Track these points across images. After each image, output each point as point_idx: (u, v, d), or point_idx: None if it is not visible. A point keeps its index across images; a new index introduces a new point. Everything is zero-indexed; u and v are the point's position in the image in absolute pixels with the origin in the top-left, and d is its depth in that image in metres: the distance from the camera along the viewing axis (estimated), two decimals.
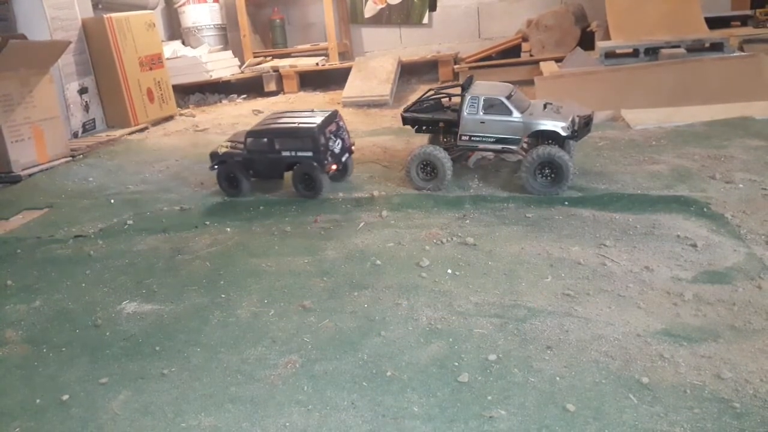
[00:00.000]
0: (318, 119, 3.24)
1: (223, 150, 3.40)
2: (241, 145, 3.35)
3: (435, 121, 3.32)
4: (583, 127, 3.09)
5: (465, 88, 3.18)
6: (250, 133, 3.33)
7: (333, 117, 3.34)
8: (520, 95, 3.21)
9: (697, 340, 1.81)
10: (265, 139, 3.28)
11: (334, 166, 3.23)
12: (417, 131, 3.46)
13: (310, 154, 3.19)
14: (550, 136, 3.09)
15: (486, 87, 3.24)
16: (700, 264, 2.25)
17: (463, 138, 3.13)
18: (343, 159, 3.35)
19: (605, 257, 2.35)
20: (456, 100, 3.32)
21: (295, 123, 3.29)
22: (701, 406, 1.55)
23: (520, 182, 3.06)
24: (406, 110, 3.42)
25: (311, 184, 3.23)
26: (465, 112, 3.09)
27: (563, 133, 3.00)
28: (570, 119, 3.02)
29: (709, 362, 1.71)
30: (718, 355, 1.74)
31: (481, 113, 3.07)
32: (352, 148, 3.47)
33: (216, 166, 3.40)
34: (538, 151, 2.97)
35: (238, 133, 3.60)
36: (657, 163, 3.29)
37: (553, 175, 2.98)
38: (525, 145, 3.18)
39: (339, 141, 3.32)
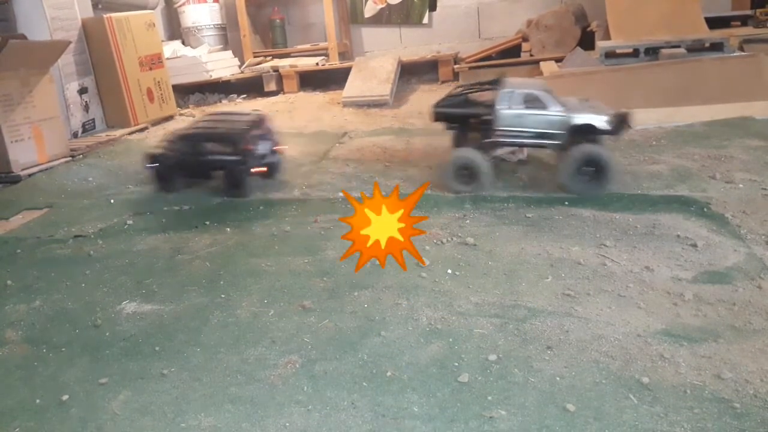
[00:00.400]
0: (244, 125, 3.44)
1: (158, 152, 3.59)
2: (174, 147, 3.52)
3: (471, 115, 3.21)
4: (619, 123, 3.00)
5: (496, 84, 3.10)
6: (181, 137, 3.51)
7: (260, 121, 3.53)
8: (553, 91, 3.13)
9: (698, 340, 1.81)
10: (195, 143, 3.44)
11: (259, 169, 3.38)
12: (448, 128, 3.38)
13: (236, 158, 3.33)
14: (587, 132, 2.98)
15: (521, 82, 3.17)
16: (700, 264, 2.25)
17: (499, 133, 3.02)
18: (271, 161, 3.51)
19: (605, 257, 2.35)
20: (485, 96, 3.24)
21: (223, 128, 3.48)
22: (701, 406, 1.55)
23: (560, 183, 2.97)
24: (437, 105, 3.33)
25: (238, 185, 3.39)
26: (500, 106, 2.99)
27: (606, 127, 2.90)
28: (610, 114, 2.92)
29: (709, 362, 1.71)
30: (719, 355, 1.74)
31: (519, 107, 2.97)
32: (280, 149, 3.63)
33: (151, 167, 3.58)
34: (581, 148, 2.87)
35: (173, 133, 3.77)
36: (657, 163, 3.29)
37: (595, 174, 2.87)
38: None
39: (265, 144, 3.47)
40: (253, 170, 3.36)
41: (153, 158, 3.61)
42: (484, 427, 1.55)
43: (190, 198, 3.46)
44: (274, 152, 3.57)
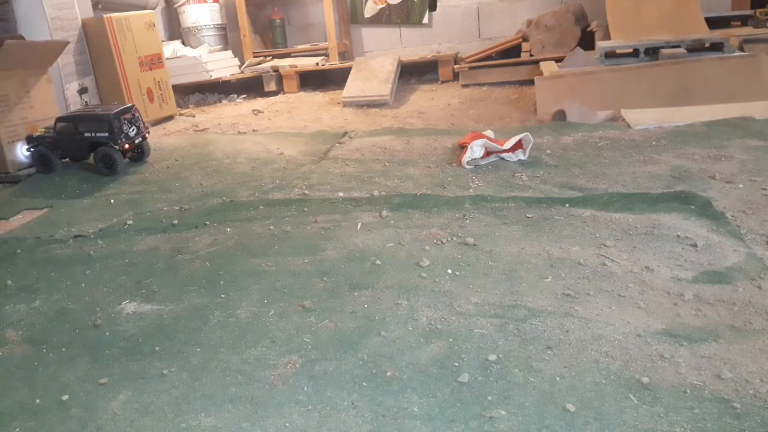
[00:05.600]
0: (115, 109, 4.10)
1: (37, 134, 4.22)
2: (51, 130, 4.17)
3: None
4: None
5: None
6: (59, 119, 4.17)
7: (129, 108, 4.20)
8: None
9: (698, 340, 1.81)
10: (71, 123, 4.11)
11: (126, 146, 4.09)
12: None
13: (106, 134, 4.02)
14: None
15: None
16: (700, 264, 2.25)
17: None
18: (137, 141, 4.19)
19: (605, 257, 2.35)
20: None
21: (95, 111, 4.20)
22: (701, 406, 1.55)
23: None
24: None
25: (109, 162, 4.03)
26: None
27: None
28: None
29: (709, 362, 1.71)
30: (719, 355, 1.74)
31: None
32: (146, 134, 4.32)
33: (31, 148, 4.19)
34: None
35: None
36: (657, 163, 3.29)
37: None
38: None
39: (134, 128, 4.15)
40: (122, 147, 4.04)
41: (32, 140, 4.18)
42: (484, 427, 1.55)
43: (191, 198, 3.46)
44: (142, 136, 4.24)
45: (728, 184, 2.92)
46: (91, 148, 4.10)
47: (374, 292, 2.23)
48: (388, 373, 1.78)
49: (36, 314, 2.34)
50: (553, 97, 4.52)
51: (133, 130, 4.13)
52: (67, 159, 4.25)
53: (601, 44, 5.12)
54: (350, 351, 1.90)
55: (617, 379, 1.67)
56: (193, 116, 5.95)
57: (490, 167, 3.50)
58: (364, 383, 1.75)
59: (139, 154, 4.28)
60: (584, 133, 3.93)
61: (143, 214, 3.28)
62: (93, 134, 4.05)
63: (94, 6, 5.60)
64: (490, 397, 1.64)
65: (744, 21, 5.71)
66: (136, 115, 4.22)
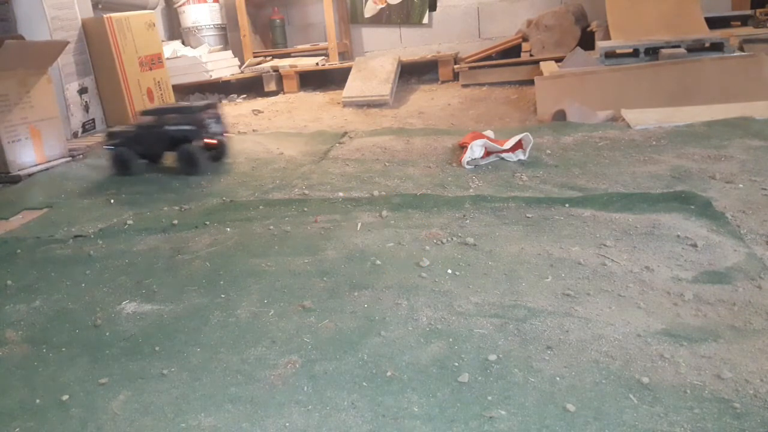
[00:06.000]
0: (199, 108, 3.97)
1: (119, 129, 4.13)
2: (131, 127, 4.08)
3: None
4: None
5: None
6: (144, 112, 4.09)
7: (213, 104, 4.10)
8: None
9: (698, 340, 1.81)
10: (154, 116, 3.97)
11: (212, 141, 3.92)
12: None
13: (192, 128, 3.83)
14: None
15: None
16: (700, 264, 2.25)
17: None
18: (220, 138, 4.03)
19: (605, 257, 2.35)
20: None
21: (180, 105, 4.21)
22: (701, 406, 1.55)
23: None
24: None
25: (192, 160, 3.83)
26: None
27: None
28: None
29: (709, 362, 1.71)
30: (719, 355, 1.74)
31: None
32: (227, 134, 4.20)
33: (111, 147, 4.01)
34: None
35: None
36: (657, 163, 3.29)
37: None
38: None
39: (217, 124, 4.01)
40: (205, 141, 3.87)
41: (113, 136, 3.99)
42: (485, 427, 1.55)
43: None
44: (223, 133, 4.08)
45: (728, 184, 2.92)
46: (173, 144, 3.86)
47: (374, 292, 2.23)
48: (388, 373, 1.78)
49: (36, 314, 2.34)
50: (553, 97, 4.52)
51: (216, 127, 3.97)
52: (145, 159, 4.01)
53: (601, 44, 5.12)
54: (350, 351, 1.90)
55: (617, 379, 1.67)
56: None
57: (490, 167, 3.50)
58: (364, 383, 1.75)
59: (219, 153, 4.07)
60: (584, 133, 3.94)
61: (143, 214, 3.28)
62: (177, 128, 3.84)
63: (94, 6, 5.60)
64: (490, 397, 1.64)
65: (744, 21, 5.71)
66: (220, 111, 4.07)
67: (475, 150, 3.51)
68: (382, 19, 7.09)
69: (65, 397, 1.82)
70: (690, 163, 3.24)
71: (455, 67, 6.28)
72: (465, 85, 6.09)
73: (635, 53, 4.81)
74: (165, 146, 3.89)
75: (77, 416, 1.74)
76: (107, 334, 2.15)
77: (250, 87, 6.76)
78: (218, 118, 4.00)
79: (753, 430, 1.47)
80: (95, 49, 5.31)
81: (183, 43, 7.16)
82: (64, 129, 4.71)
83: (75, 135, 5.10)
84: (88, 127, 5.26)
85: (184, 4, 7.02)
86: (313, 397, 1.72)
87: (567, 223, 2.68)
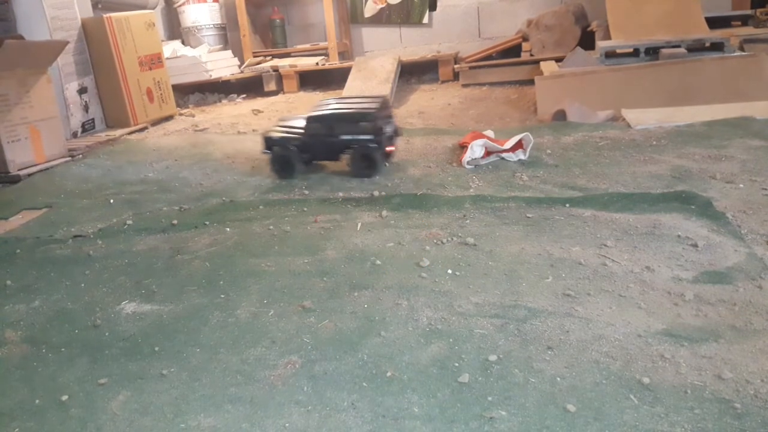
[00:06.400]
0: (375, 105, 3.54)
1: (278, 135, 3.64)
2: (298, 130, 3.60)
3: None
4: None
5: None
6: (311, 119, 3.56)
7: (387, 103, 3.67)
8: None
9: (698, 341, 1.81)
10: (325, 124, 3.52)
11: (390, 148, 3.52)
12: None
13: (369, 137, 3.42)
14: None
15: None
16: (700, 264, 2.24)
17: None
18: (395, 142, 3.63)
19: (606, 257, 2.34)
20: None
21: (354, 108, 3.59)
22: (702, 406, 1.55)
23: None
24: None
25: (370, 164, 3.46)
26: None
27: None
28: None
29: (709, 363, 1.71)
30: (719, 355, 1.74)
31: None
32: (400, 133, 3.77)
33: (269, 150, 3.64)
34: None
35: (285, 118, 3.88)
36: (657, 163, 3.28)
37: None
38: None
39: (392, 126, 3.60)
40: (387, 149, 3.48)
41: (272, 143, 3.62)
42: (485, 427, 1.54)
43: (191, 198, 3.46)
44: (396, 135, 3.71)
45: (729, 184, 2.91)
46: (346, 150, 3.52)
47: (374, 292, 2.23)
48: (388, 374, 1.77)
49: (35, 314, 2.34)
50: (553, 96, 4.52)
51: (391, 128, 3.59)
52: (311, 162, 3.71)
53: (601, 44, 5.11)
54: (350, 351, 1.90)
55: (618, 380, 1.66)
56: (193, 116, 5.95)
57: (490, 167, 3.50)
58: (364, 383, 1.74)
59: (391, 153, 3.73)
60: (584, 133, 3.93)
61: (143, 214, 3.28)
62: (352, 137, 3.47)
63: (94, 6, 5.60)
64: (490, 398, 1.64)
65: (744, 21, 5.71)
66: (391, 111, 3.73)
67: (476, 150, 3.51)
68: (382, 18, 7.09)
69: (65, 398, 1.82)
70: (690, 163, 3.24)
71: (455, 66, 6.28)
72: (465, 85, 6.09)
73: (635, 53, 4.81)
74: (339, 153, 3.57)
75: (77, 416, 1.74)
76: (107, 334, 2.15)
77: (250, 87, 6.76)
78: (391, 118, 3.68)
79: (753, 430, 1.47)
80: (95, 48, 5.31)
81: (183, 42, 7.16)
82: (63, 129, 4.72)
83: (75, 135, 5.10)
84: (87, 127, 5.26)
85: (183, 3, 7.02)
86: (313, 397, 1.72)
87: (567, 223, 2.67)
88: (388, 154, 3.55)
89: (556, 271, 2.28)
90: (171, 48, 6.63)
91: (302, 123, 3.61)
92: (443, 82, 6.40)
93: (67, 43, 4.87)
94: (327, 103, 3.79)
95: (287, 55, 7.20)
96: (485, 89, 5.93)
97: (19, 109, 4.24)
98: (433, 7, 6.92)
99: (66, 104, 5.02)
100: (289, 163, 3.60)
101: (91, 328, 2.20)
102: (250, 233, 2.88)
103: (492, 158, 3.56)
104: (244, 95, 6.70)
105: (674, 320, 1.92)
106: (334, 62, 6.80)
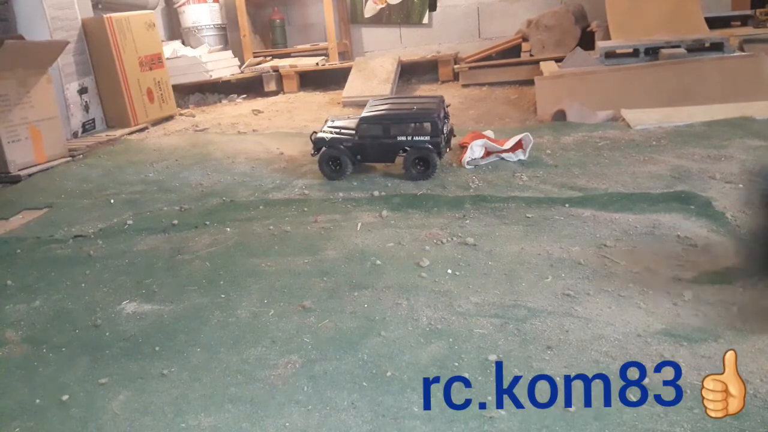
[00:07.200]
0: (433, 105, 3.44)
1: (329, 136, 3.54)
2: (349, 131, 3.51)
3: None
4: None
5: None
6: (364, 119, 3.48)
7: (442, 103, 3.54)
8: None
9: (698, 341, 1.81)
10: (380, 125, 3.43)
11: (447, 150, 3.49)
12: None
13: (427, 138, 3.34)
14: None
15: None
16: (700, 264, 2.25)
17: None
18: (450, 142, 3.59)
19: (606, 257, 2.35)
20: None
21: (411, 109, 3.48)
22: (701, 406, 1.55)
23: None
24: None
25: (426, 166, 3.37)
26: None
27: None
28: None
29: (709, 362, 1.71)
30: (719, 355, 1.74)
31: None
32: (454, 134, 3.70)
33: (317, 152, 3.55)
34: None
35: (335, 117, 3.82)
36: (657, 163, 3.29)
37: None
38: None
39: (447, 126, 3.52)
40: (445, 151, 3.44)
41: (322, 143, 3.51)
42: (485, 427, 1.55)
43: (191, 198, 3.46)
44: (451, 134, 3.67)
45: (728, 184, 2.92)
46: (401, 151, 3.42)
47: (374, 292, 2.23)
48: (388, 373, 1.78)
49: (36, 314, 2.34)
50: (553, 97, 4.52)
51: (447, 128, 3.52)
52: (363, 162, 3.60)
53: (601, 44, 5.12)
54: (350, 351, 1.90)
55: (617, 379, 1.67)
56: (193, 116, 5.95)
57: (490, 167, 3.50)
58: (364, 383, 1.75)
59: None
60: (584, 133, 3.93)
61: (143, 214, 3.28)
62: (409, 138, 3.37)
63: (94, 6, 5.60)
64: (490, 397, 1.64)
65: (744, 21, 5.70)
66: (447, 110, 3.61)
67: (475, 150, 3.51)
68: (382, 19, 7.09)
69: (65, 397, 1.82)
70: (690, 163, 3.24)
71: (455, 67, 6.28)
72: (465, 85, 6.09)
73: (635, 53, 4.81)
74: (394, 155, 3.47)
75: (77, 416, 1.74)
76: (107, 334, 2.15)
77: (250, 87, 6.76)
78: (447, 118, 3.57)
79: (753, 430, 1.47)
80: (95, 49, 5.31)
81: (183, 43, 7.16)
82: (64, 129, 4.72)
83: (75, 135, 5.10)
84: (88, 127, 5.26)
85: (184, 4, 7.02)
86: (313, 397, 1.72)
87: (567, 223, 2.68)
88: (442, 155, 3.46)
89: (555, 270, 2.28)
90: (171, 48, 6.63)
91: (354, 124, 3.53)
92: (443, 82, 6.40)
93: (68, 43, 4.87)
94: (380, 103, 3.70)
95: (287, 55, 7.20)
96: (485, 89, 5.93)
97: (19, 109, 4.24)
98: (433, 7, 6.92)
99: (66, 104, 5.02)
100: (340, 164, 3.50)
101: (92, 328, 2.20)
102: (251, 233, 2.89)
103: (492, 158, 3.56)
104: (244, 95, 6.70)
105: (674, 320, 1.93)
106: (334, 62, 6.79)
